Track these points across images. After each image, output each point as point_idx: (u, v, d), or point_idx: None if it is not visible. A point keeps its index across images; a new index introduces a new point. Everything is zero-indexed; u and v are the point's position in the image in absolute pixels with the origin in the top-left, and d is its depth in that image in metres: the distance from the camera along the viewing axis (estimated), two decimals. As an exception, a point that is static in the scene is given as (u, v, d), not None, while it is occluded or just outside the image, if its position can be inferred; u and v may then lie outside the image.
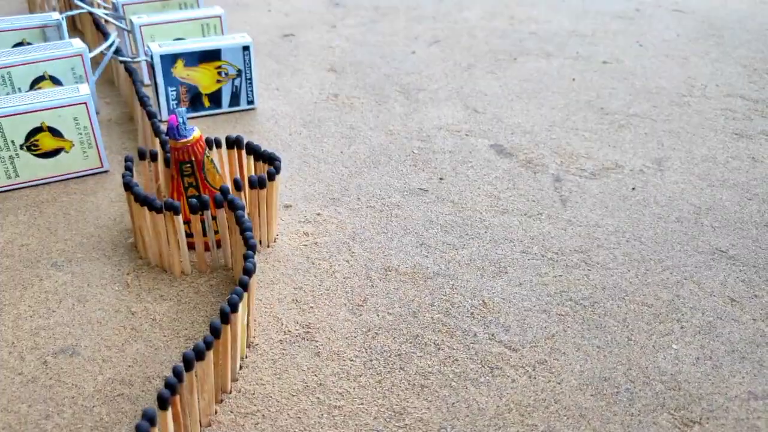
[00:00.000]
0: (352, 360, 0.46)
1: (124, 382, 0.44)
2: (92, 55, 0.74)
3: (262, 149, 0.57)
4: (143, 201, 0.51)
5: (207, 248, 0.54)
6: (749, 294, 0.51)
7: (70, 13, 0.86)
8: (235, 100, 0.79)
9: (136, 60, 0.75)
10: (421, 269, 0.54)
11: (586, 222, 0.59)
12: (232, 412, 0.42)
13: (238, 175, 0.59)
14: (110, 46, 0.76)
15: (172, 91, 0.75)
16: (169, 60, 0.74)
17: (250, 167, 0.58)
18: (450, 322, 0.49)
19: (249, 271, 0.44)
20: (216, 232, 0.54)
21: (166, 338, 0.48)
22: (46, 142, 0.64)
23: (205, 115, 0.78)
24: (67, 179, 0.66)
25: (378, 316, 0.49)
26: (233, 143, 0.58)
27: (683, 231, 0.58)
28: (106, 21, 0.84)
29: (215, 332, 0.39)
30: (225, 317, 0.40)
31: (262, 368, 0.45)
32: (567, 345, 0.47)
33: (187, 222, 0.54)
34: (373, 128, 0.75)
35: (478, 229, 0.59)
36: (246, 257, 0.45)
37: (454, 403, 0.43)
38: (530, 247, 0.56)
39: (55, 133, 0.64)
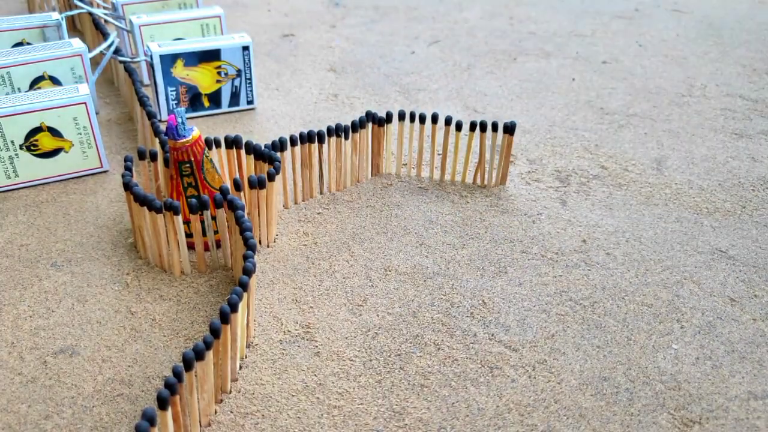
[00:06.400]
0: (351, 360, 0.46)
1: (124, 382, 0.44)
2: (92, 55, 0.74)
3: (262, 149, 0.57)
4: (143, 201, 0.51)
5: (207, 248, 0.54)
6: (749, 294, 0.51)
7: (69, 13, 0.86)
8: (234, 100, 0.79)
9: (135, 60, 0.75)
10: (421, 269, 0.54)
11: (586, 222, 0.59)
12: (231, 412, 0.42)
13: (237, 175, 0.59)
14: (110, 46, 0.76)
15: (171, 91, 0.75)
16: (169, 60, 0.74)
17: (249, 167, 0.58)
18: (450, 322, 0.49)
19: (249, 271, 0.44)
20: (215, 232, 0.54)
21: (165, 338, 0.48)
22: (46, 142, 0.64)
23: (205, 115, 0.78)
24: (67, 179, 0.66)
25: (378, 316, 0.49)
26: (232, 143, 0.58)
27: (683, 231, 0.58)
28: (106, 21, 0.84)
29: (215, 332, 0.39)
30: (225, 317, 0.40)
31: (261, 368, 0.45)
32: (567, 345, 0.47)
33: (186, 222, 0.54)
34: (372, 128, 0.74)
35: (478, 229, 0.59)
36: (246, 257, 0.45)
37: (453, 403, 0.43)
38: (530, 247, 0.56)
39: (54, 133, 0.64)
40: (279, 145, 0.59)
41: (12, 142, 0.63)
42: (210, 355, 0.39)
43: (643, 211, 0.61)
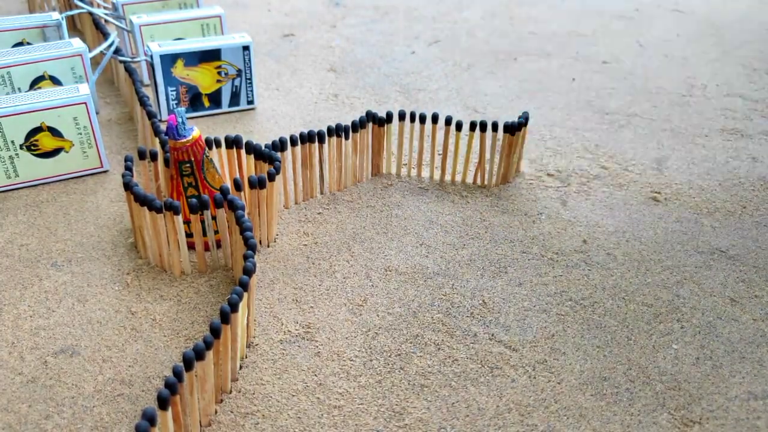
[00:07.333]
0: (352, 360, 0.46)
1: (124, 382, 0.44)
2: (92, 55, 0.74)
3: (262, 149, 0.57)
4: (143, 201, 0.51)
5: (207, 248, 0.54)
6: (749, 294, 0.51)
7: (69, 13, 0.86)
8: (234, 100, 0.79)
9: (135, 60, 0.75)
10: (421, 269, 0.54)
11: (587, 222, 0.59)
12: (232, 412, 0.42)
13: (237, 175, 0.59)
14: (110, 45, 0.76)
15: (171, 91, 0.75)
16: (169, 60, 0.74)
17: (249, 167, 0.58)
18: (450, 322, 0.49)
19: (249, 271, 0.44)
20: (216, 232, 0.54)
21: (166, 338, 0.48)
22: (46, 142, 0.64)
23: (205, 115, 0.78)
24: (67, 179, 0.66)
25: (378, 316, 0.49)
26: (232, 143, 0.58)
27: (683, 231, 0.58)
28: (106, 21, 0.84)
29: (215, 332, 0.39)
30: (225, 317, 0.40)
31: (262, 368, 0.45)
32: (567, 345, 0.47)
33: (186, 222, 0.54)
34: (373, 128, 0.74)
35: (478, 229, 0.59)
36: (246, 257, 0.45)
37: (454, 403, 0.43)
38: (530, 247, 0.56)
39: (54, 133, 0.64)
40: (279, 145, 0.59)
41: (12, 142, 0.63)
42: (210, 355, 0.39)
43: (643, 211, 0.61)
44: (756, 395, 0.43)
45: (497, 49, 0.97)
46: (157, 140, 0.61)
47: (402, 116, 0.65)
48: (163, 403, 0.35)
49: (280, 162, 0.56)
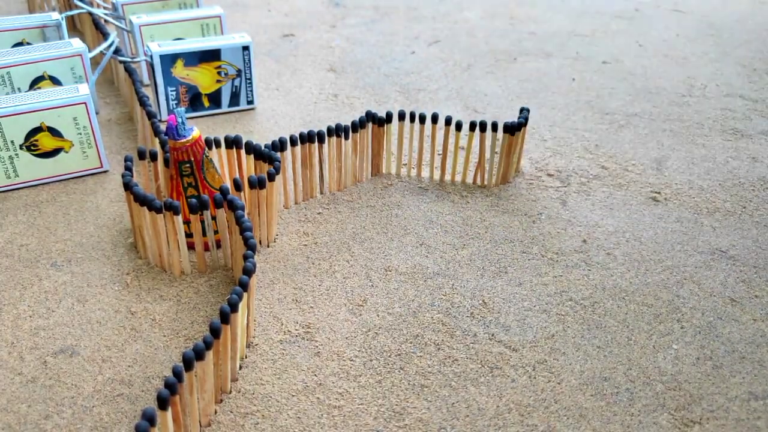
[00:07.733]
0: (352, 360, 0.46)
1: (124, 382, 0.44)
2: (92, 55, 0.74)
3: (262, 149, 0.57)
4: (143, 201, 0.51)
5: (207, 248, 0.54)
6: (749, 294, 0.51)
7: (69, 13, 0.86)
8: (234, 100, 0.79)
9: (135, 60, 0.75)
10: (421, 269, 0.54)
11: (586, 222, 0.59)
12: (231, 412, 0.42)
13: (237, 175, 0.59)
14: (110, 46, 0.76)
15: (171, 91, 0.75)
16: (169, 60, 0.73)
17: (249, 167, 0.58)
18: (450, 322, 0.49)
19: (249, 271, 0.44)
20: (215, 232, 0.54)
21: (165, 338, 0.48)
22: (46, 142, 0.64)
23: (205, 115, 0.78)
24: (67, 179, 0.66)
25: (378, 316, 0.49)
26: (232, 143, 0.58)
27: (683, 231, 0.58)
28: (106, 21, 0.84)
29: (215, 332, 0.39)
30: (225, 317, 0.40)
31: (262, 368, 0.45)
32: (567, 345, 0.47)
33: (186, 222, 0.54)
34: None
35: (478, 229, 0.59)
36: (246, 257, 0.45)
37: (454, 403, 0.43)
38: (530, 247, 0.56)
39: (54, 133, 0.64)
40: (279, 145, 0.59)
41: (12, 142, 0.63)
42: (210, 355, 0.39)
43: (643, 211, 0.61)
44: (756, 395, 0.43)
45: (497, 49, 0.97)
46: (156, 140, 0.61)
47: (402, 116, 0.65)
48: (162, 403, 0.35)
49: (279, 162, 0.56)
